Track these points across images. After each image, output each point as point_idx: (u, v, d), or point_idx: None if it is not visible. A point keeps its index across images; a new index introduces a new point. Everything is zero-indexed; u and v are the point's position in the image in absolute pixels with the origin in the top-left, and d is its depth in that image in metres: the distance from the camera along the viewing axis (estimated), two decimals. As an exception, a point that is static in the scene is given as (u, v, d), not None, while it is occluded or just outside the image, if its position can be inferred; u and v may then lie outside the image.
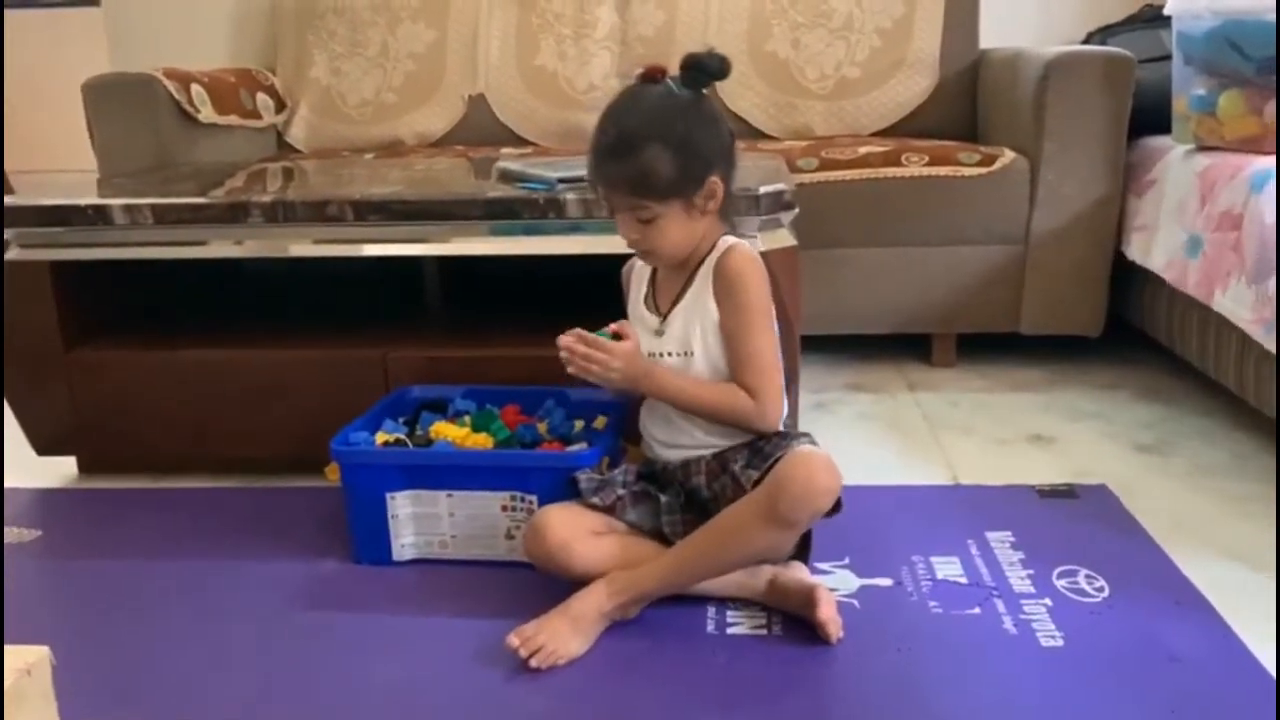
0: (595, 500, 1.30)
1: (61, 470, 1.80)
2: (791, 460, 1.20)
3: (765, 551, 1.25)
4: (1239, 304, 1.69)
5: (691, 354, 1.31)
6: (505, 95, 2.69)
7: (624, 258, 1.61)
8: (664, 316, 1.34)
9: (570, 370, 1.29)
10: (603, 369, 1.26)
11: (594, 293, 1.73)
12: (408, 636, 1.26)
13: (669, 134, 1.21)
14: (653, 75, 1.25)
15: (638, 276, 1.41)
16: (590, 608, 1.21)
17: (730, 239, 1.33)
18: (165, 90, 2.30)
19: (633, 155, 1.21)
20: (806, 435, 1.31)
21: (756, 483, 1.22)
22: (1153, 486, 1.64)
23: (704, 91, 1.27)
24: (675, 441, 1.34)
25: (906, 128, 2.54)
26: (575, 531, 1.26)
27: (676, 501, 1.32)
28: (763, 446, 1.29)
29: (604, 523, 1.29)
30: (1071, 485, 1.62)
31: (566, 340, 1.28)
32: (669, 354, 1.32)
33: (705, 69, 1.25)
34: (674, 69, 1.25)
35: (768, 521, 1.19)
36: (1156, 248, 2.03)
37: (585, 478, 1.33)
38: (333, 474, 1.45)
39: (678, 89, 1.24)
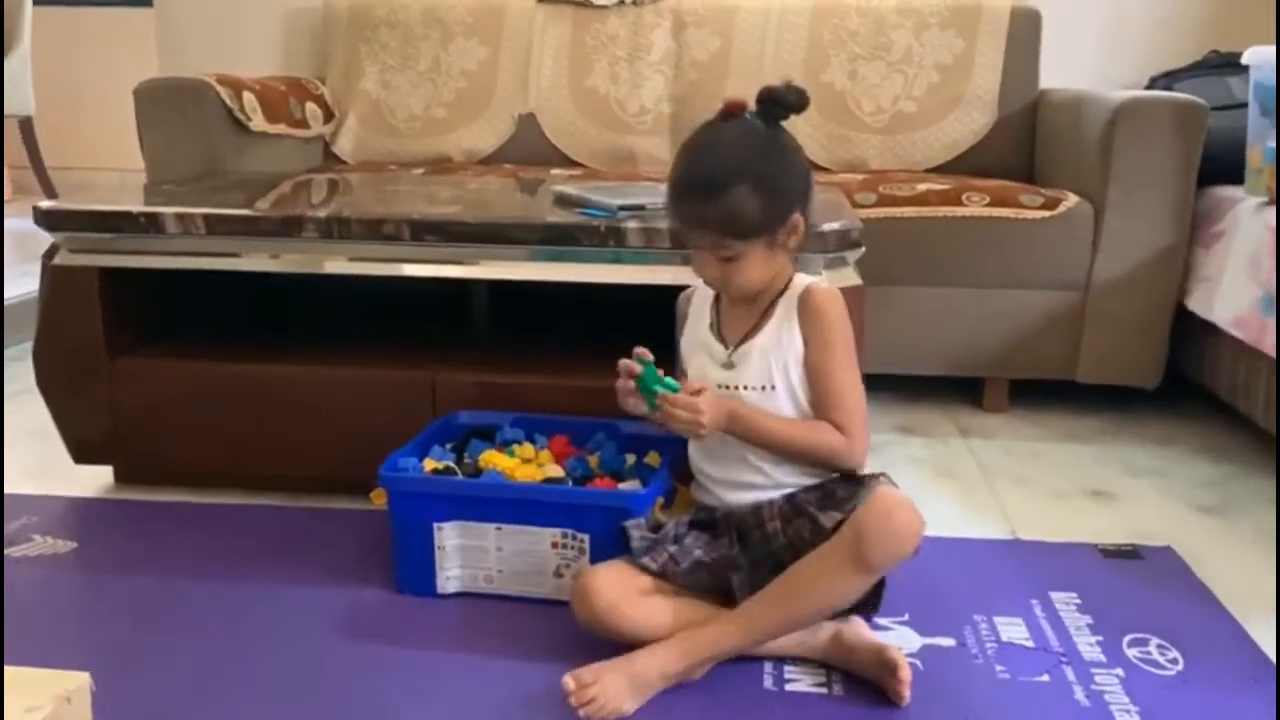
0: (646, 562, 1.24)
1: (97, 480, 1.77)
2: (874, 502, 1.16)
3: (844, 601, 1.19)
4: None
5: (773, 388, 1.26)
6: (556, 115, 2.67)
7: (682, 289, 1.58)
8: (732, 348, 1.29)
9: (630, 406, 1.26)
10: (691, 424, 1.21)
11: (647, 323, 1.69)
12: (450, 675, 1.22)
13: (755, 173, 1.19)
14: (733, 111, 1.22)
15: (698, 305, 1.37)
16: (654, 669, 1.15)
17: (805, 276, 1.30)
18: (217, 97, 2.28)
19: (719, 196, 1.18)
20: (884, 475, 1.27)
21: (838, 524, 1.17)
22: (1218, 550, 1.58)
23: (782, 125, 1.24)
24: (743, 481, 1.28)
25: (962, 165, 2.50)
26: (623, 592, 1.21)
27: (742, 557, 1.26)
28: (835, 489, 1.25)
29: (654, 581, 1.24)
30: (1135, 546, 1.57)
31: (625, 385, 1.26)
32: (745, 387, 1.27)
33: (782, 102, 1.22)
34: (730, 95, 1.23)
35: (851, 567, 1.15)
36: (1220, 301, 1.97)
37: (638, 534, 1.27)
38: (379, 499, 1.41)
39: (757, 125, 1.21)
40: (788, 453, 1.26)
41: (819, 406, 1.26)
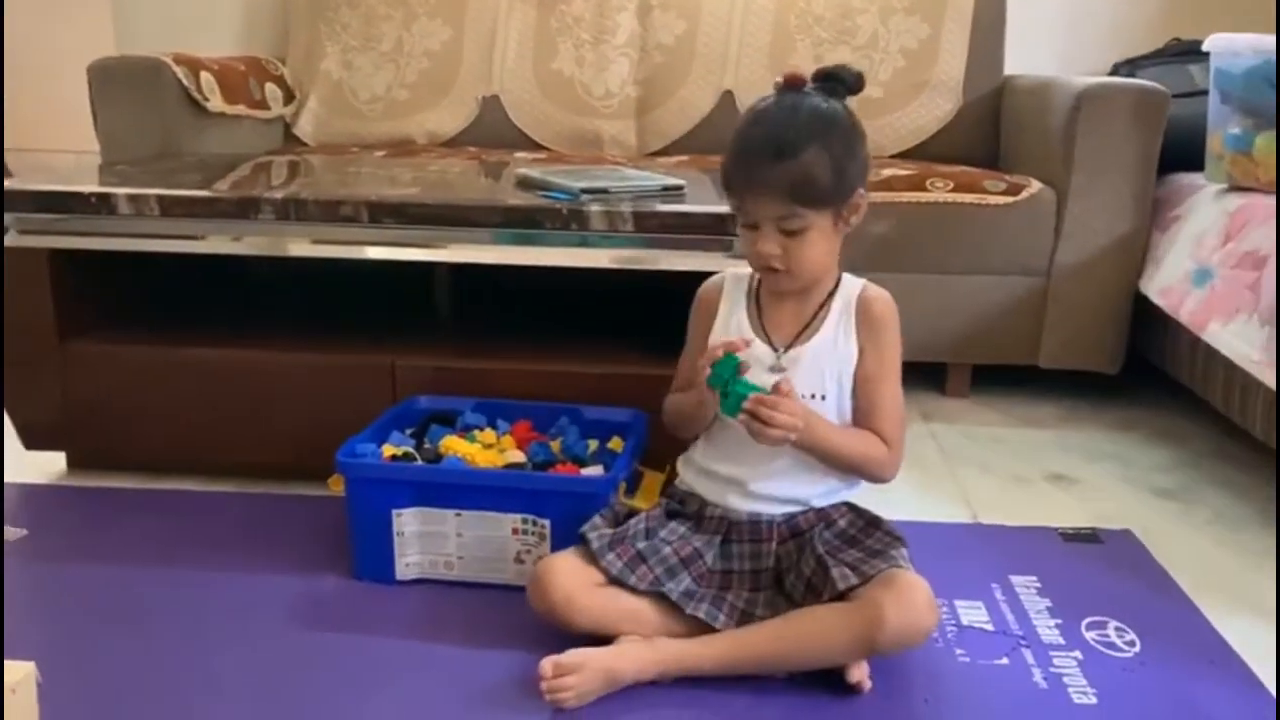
0: (608, 564, 1.18)
1: (50, 466, 1.73)
2: (893, 595, 1.11)
3: (837, 664, 1.15)
4: (1244, 341, 1.66)
5: (825, 396, 1.22)
6: (520, 98, 2.64)
7: (647, 275, 1.56)
8: (782, 350, 1.24)
9: (741, 420, 1.16)
10: (788, 429, 1.14)
11: (612, 307, 1.67)
12: (407, 664, 1.20)
13: (825, 139, 1.15)
14: (794, 83, 1.20)
15: (731, 298, 1.30)
16: (630, 673, 1.13)
17: (858, 279, 1.27)
18: (174, 76, 2.24)
19: (795, 157, 1.13)
20: (901, 542, 1.22)
21: (852, 587, 1.14)
22: (1176, 534, 1.59)
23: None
24: (757, 491, 1.24)
25: (927, 151, 2.50)
26: (581, 584, 1.17)
27: (718, 562, 1.23)
28: (848, 528, 1.23)
29: None
30: (1095, 530, 1.58)
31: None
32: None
33: (844, 81, 1.20)
34: (790, 68, 1.22)
35: (858, 645, 1.12)
36: (1159, 275, 2.00)
37: (596, 535, 1.21)
38: (336, 485, 1.39)
39: (822, 98, 1.19)
40: (839, 463, 1.22)
41: (864, 415, 1.23)
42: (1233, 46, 1.85)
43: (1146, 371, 2.16)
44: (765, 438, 1.15)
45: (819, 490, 1.25)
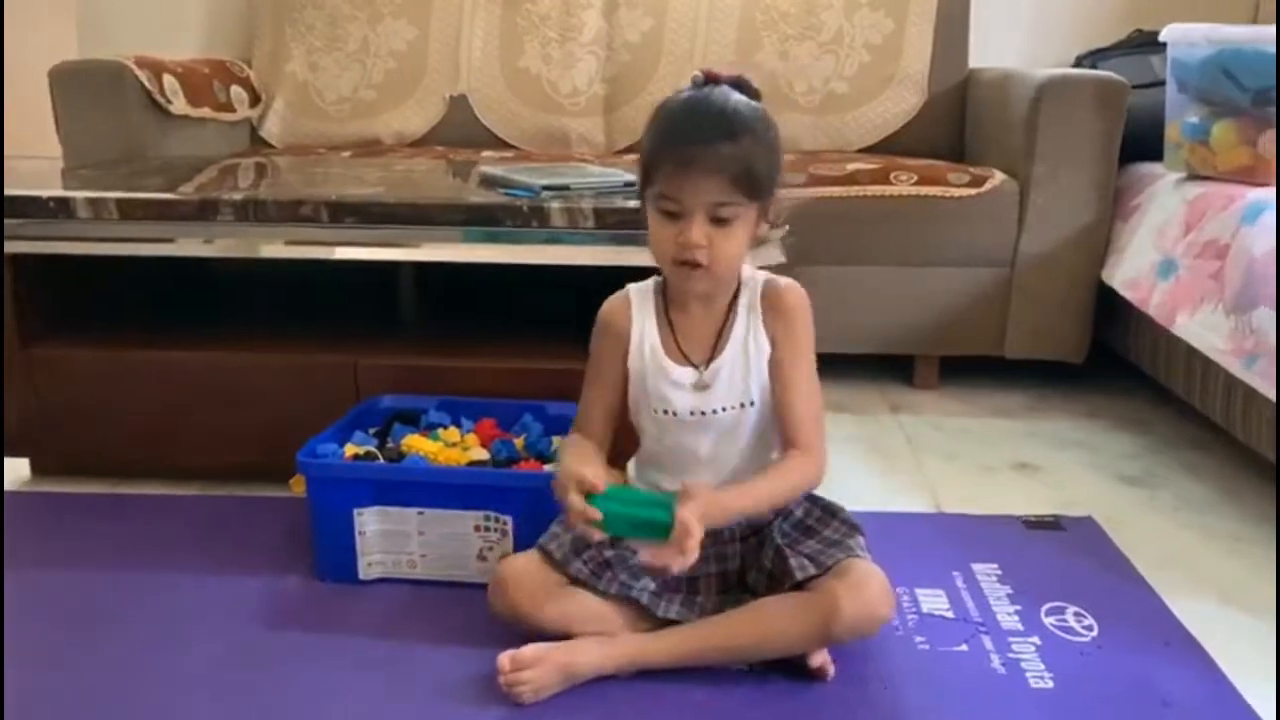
0: (575, 570, 1.18)
1: (14, 472, 1.72)
2: (848, 585, 1.12)
3: (795, 653, 1.15)
4: (1211, 330, 1.68)
5: (751, 404, 1.19)
6: (487, 97, 2.64)
7: (607, 270, 1.56)
8: (704, 368, 1.20)
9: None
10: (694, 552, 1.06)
11: (574, 305, 1.67)
12: (370, 663, 1.20)
13: (765, 131, 1.12)
14: (716, 79, 1.15)
15: (639, 322, 1.22)
16: (590, 668, 1.14)
17: (759, 271, 1.23)
18: (136, 79, 2.22)
19: (739, 140, 1.09)
20: (858, 531, 1.22)
21: (811, 577, 1.14)
22: (1139, 520, 1.61)
23: None
24: None
25: (893, 145, 2.51)
26: (542, 585, 1.17)
27: (707, 582, 1.23)
28: (804, 518, 1.24)
29: None
30: (1058, 517, 1.59)
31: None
32: (720, 409, 1.19)
33: (748, 92, 1.16)
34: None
35: (815, 636, 1.13)
36: (1121, 267, 2.02)
37: (556, 544, 1.19)
38: (298, 486, 1.39)
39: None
40: (774, 507, 1.21)
41: (780, 408, 1.19)
42: (1188, 37, 1.87)
43: (1113, 360, 2.18)
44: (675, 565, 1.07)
45: None
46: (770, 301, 1.20)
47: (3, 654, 1.18)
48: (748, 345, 1.20)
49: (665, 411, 1.21)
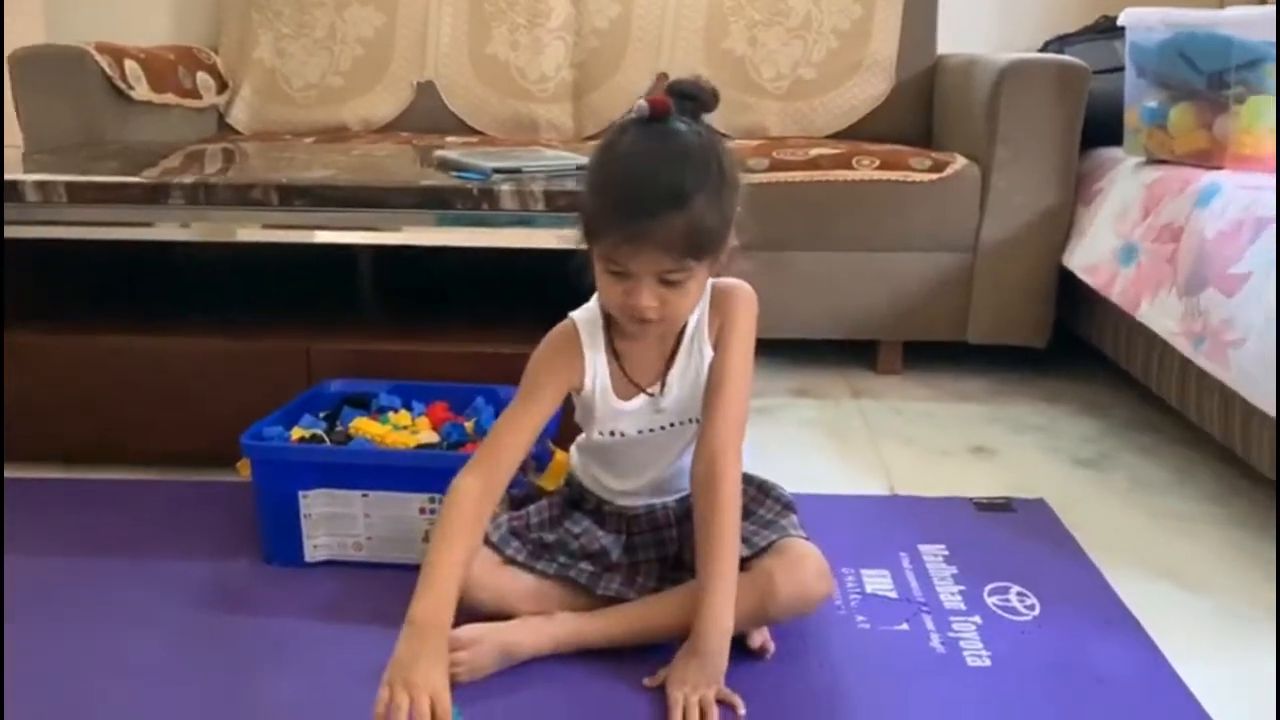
0: (513, 553, 1.19)
1: (-33, 458, 1.72)
2: (785, 565, 1.13)
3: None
4: (1166, 315, 1.68)
5: (697, 420, 1.17)
6: (455, 83, 2.63)
7: (561, 254, 1.56)
8: (655, 390, 1.18)
9: None
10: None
11: (528, 287, 1.67)
12: (309, 644, 1.20)
13: (714, 180, 1.03)
14: (660, 113, 1.05)
15: (590, 362, 1.16)
16: (527, 647, 1.14)
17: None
18: (97, 65, 2.21)
19: (686, 208, 1.01)
20: (792, 509, 1.23)
21: (746, 559, 1.14)
22: (1091, 502, 1.61)
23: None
24: (645, 500, 1.24)
25: (862, 131, 2.51)
26: (483, 565, 1.17)
27: (624, 556, 1.23)
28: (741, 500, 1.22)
29: None
30: (1009, 499, 1.60)
31: None
32: (670, 425, 1.19)
33: (700, 100, 1.07)
34: (652, 95, 1.07)
35: (751, 615, 1.13)
36: (1082, 251, 2.02)
37: (493, 527, 1.19)
38: (245, 470, 1.38)
39: (689, 127, 1.06)
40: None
41: (706, 406, 1.15)
42: (1146, 21, 1.87)
43: (1077, 345, 2.19)
44: None
45: None
46: (716, 301, 1.17)
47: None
48: (692, 356, 1.17)
49: (613, 433, 1.20)
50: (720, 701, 1.07)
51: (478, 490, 1.12)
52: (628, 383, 1.18)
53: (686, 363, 1.17)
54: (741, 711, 1.07)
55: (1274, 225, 1.47)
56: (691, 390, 1.17)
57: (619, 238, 1.03)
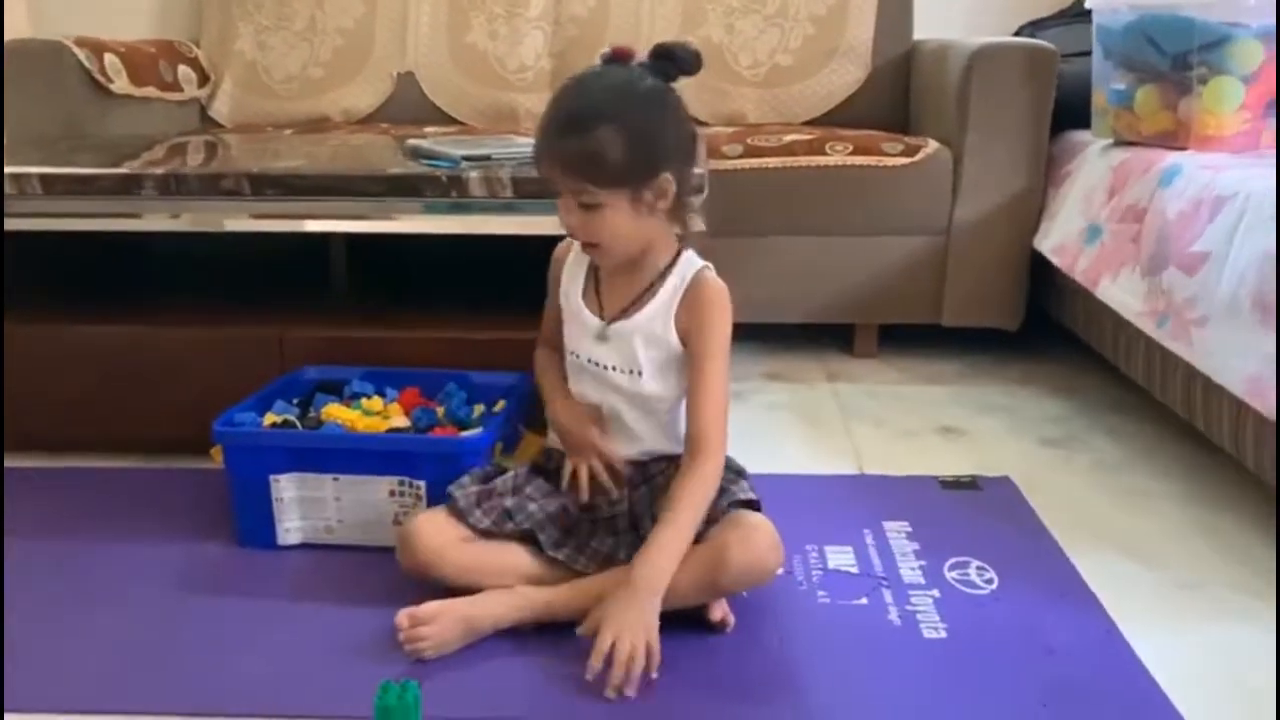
0: (475, 520, 1.22)
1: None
2: (738, 536, 1.15)
3: (685, 605, 1.17)
4: (1129, 293, 1.71)
5: (640, 374, 1.23)
6: (435, 74, 2.65)
7: (532, 240, 1.58)
8: (608, 321, 1.25)
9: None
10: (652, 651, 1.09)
11: (503, 275, 1.69)
12: (277, 623, 1.23)
13: (625, 118, 1.12)
14: (620, 57, 1.17)
15: (574, 265, 1.30)
16: (489, 620, 1.17)
17: (697, 261, 1.25)
18: (75, 59, 2.23)
19: (582, 133, 1.11)
20: (742, 475, 1.26)
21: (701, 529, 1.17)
22: (1055, 480, 1.64)
23: (671, 85, 1.18)
24: (620, 449, 1.27)
25: (838, 117, 2.52)
26: (447, 539, 1.20)
27: (584, 517, 1.26)
28: None
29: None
30: (975, 477, 1.62)
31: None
32: (612, 367, 1.24)
33: (676, 60, 1.16)
34: (619, 43, 1.19)
35: (703, 586, 1.15)
36: (1053, 233, 2.04)
37: (462, 494, 1.24)
38: (218, 455, 1.41)
39: (644, 75, 1.16)
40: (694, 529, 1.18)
41: (688, 406, 1.22)
42: (1112, 3, 1.89)
43: (1051, 327, 2.21)
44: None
45: (669, 444, 1.27)
46: (690, 294, 1.22)
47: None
48: (654, 322, 1.22)
49: (574, 354, 1.28)
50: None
51: (544, 354, 1.36)
52: (594, 298, 1.27)
53: (643, 317, 1.23)
54: (655, 675, 1.09)
55: (1232, 203, 1.49)
56: (640, 344, 1.22)
57: (536, 153, 1.18)
